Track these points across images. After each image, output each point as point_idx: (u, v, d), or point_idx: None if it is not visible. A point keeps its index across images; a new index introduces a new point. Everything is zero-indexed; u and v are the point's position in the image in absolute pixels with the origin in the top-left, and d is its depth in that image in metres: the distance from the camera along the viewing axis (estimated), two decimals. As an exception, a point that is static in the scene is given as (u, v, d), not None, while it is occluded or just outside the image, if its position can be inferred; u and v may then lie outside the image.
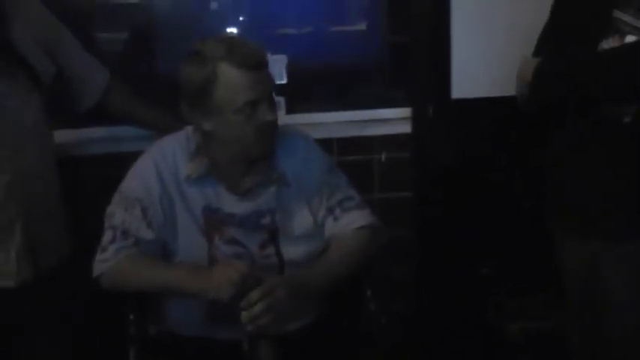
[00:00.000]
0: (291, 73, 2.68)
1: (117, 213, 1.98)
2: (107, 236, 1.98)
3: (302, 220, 2.04)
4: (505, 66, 2.29)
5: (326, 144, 2.34)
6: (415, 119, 2.68)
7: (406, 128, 2.69)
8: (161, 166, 2.00)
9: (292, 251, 1.99)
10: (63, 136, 2.45)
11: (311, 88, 2.78)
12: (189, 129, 2.06)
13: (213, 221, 1.99)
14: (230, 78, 1.89)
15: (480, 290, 2.62)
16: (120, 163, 2.10)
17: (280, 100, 2.65)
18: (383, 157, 2.71)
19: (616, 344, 2.03)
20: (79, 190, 2.38)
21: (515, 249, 2.59)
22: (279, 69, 2.65)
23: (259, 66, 1.91)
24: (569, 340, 2.19)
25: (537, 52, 2.14)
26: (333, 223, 2.05)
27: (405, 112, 2.71)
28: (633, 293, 1.99)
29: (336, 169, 2.14)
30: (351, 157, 2.65)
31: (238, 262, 1.89)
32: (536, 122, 2.19)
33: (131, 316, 2.10)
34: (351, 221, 2.05)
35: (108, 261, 1.96)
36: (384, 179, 2.72)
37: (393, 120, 2.73)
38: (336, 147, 2.65)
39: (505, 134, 2.58)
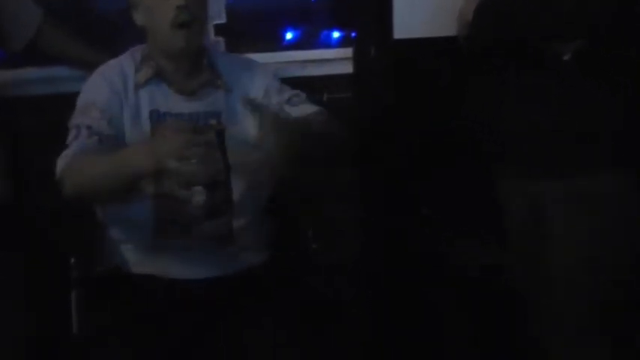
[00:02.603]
0: (230, 12, 2.64)
1: (76, 120, 1.99)
2: (71, 134, 1.97)
3: (247, 126, 2.04)
4: (448, 6, 2.29)
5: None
6: (357, 59, 2.67)
7: (348, 68, 2.68)
8: (108, 74, 2.04)
9: (237, 156, 2.01)
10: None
11: (250, 28, 2.74)
12: (132, 49, 2.10)
13: (160, 125, 2.01)
14: None
15: (423, 229, 2.65)
16: (58, 105, 2.07)
17: (220, 41, 2.63)
18: (324, 97, 2.70)
19: (558, 281, 2.07)
20: (17, 132, 2.33)
21: (458, 188, 2.61)
22: (218, 8, 2.61)
23: None
24: (512, 278, 2.23)
25: (479, -9, 2.13)
26: (291, 108, 2.10)
27: (346, 52, 2.69)
28: (575, 230, 2.03)
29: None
30: (292, 97, 2.63)
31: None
32: (477, 62, 2.20)
33: (72, 259, 2.08)
34: (305, 109, 2.12)
35: (67, 157, 1.94)
36: (326, 120, 2.71)
37: (335, 60, 2.71)
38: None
39: (448, 74, 2.59)
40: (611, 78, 1.99)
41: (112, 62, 2.09)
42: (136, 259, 2.03)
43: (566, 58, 1.98)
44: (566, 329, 2.06)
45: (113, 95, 2.01)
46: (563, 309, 2.06)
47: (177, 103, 2.04)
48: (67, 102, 2.05)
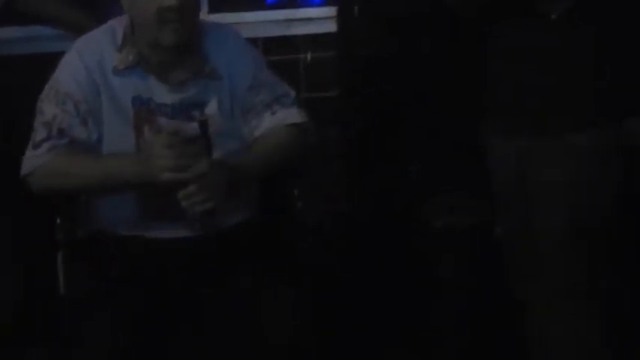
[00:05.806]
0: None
1: (49, 109, 1.94)
2: (41, 133, 1.93)
3: (237, 113, 2.03)
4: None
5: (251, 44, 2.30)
6: (340, 18, 2.66)
7: (332, 27, 2.67)
8: (86, 56, 1.97)
9: (222, 146, 1.98)
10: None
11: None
12: (114, 22, 2.02)
13: (143, 112, 1.97)
14: None
15: (407, 187, 2.66)
16: (41, 64, 2.04)
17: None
18: (308, 56, 2.69)
19: (542, 238, 2.08)
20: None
21: (443, 146, 2.62)
22: (202, -33, 2.58)
23: None
24: (495, 236, 2.25)
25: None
26: (270, 117, 2.04)
27: (330, 10, 2.68)
28: (558, 188, 2.04)
29: (268, 68, 2.13)
30: (276, 57, 2.62)
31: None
32: (471, 23, 2.19)
33: (58, 220, 2.07)
34: (287, 117, 2.05)
35: (40, 157, 1.91)
36: (310, 79, 2.71)
37: (319, 19, 2.71)
38: (261, 47, 2.62)
39: (434, 32, 2.58)
40: (598, 37, 2.00)
41: (91, 37, 2.02)
42: (120, 221, 2.00)
43: (553, 17, 1.98)
44: (550, 282, 2.08)
45: (90, 81, 1.95)
46: (547, 263, 2.09)
47: (159, 93, 1.97)
48: (49, 61, 2.03)
